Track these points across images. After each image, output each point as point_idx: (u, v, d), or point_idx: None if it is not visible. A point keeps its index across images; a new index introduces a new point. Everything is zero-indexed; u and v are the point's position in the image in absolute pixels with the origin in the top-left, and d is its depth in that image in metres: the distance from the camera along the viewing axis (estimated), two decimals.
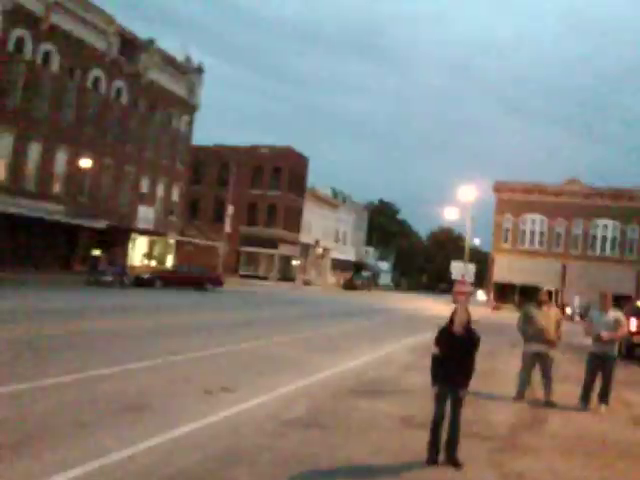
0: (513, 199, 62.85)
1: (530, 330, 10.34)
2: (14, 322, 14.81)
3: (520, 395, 10.44)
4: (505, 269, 60.87)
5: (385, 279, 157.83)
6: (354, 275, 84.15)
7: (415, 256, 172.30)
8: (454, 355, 6.61)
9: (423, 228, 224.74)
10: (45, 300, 21.92)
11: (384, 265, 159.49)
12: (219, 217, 66.99)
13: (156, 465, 5.78)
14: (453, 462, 6.52)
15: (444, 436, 6.63)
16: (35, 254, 33.86)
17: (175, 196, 47.46)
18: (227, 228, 49.03)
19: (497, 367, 14.14)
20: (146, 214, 39.81)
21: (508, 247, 62.32)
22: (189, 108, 48.13)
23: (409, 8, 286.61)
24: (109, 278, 32.09)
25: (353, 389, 9.97)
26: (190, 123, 48.52)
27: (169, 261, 46.80)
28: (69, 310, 19.61)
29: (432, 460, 6.51)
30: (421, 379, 10.40)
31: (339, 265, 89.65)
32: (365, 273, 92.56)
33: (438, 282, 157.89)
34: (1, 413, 6.95)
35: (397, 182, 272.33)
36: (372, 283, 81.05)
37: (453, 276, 40.19)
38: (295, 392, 9.37)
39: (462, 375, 6.65)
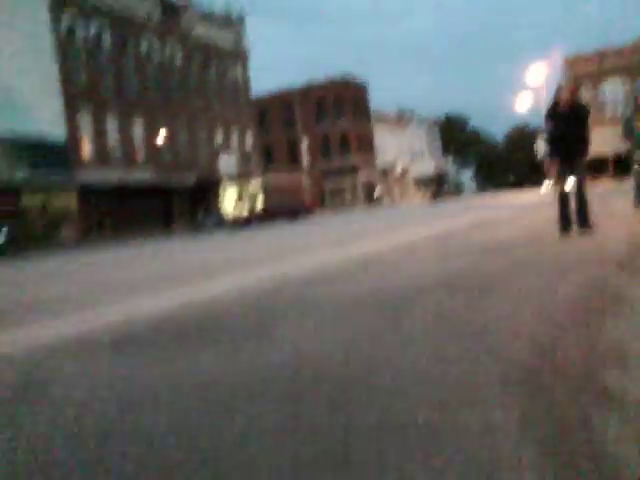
0: (587, 70, 60.00)
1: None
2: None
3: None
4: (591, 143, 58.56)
5: (469, 189, 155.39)
6: (437, 188, 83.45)
7: (495, 161, 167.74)
8: (568, 130, 6.82)
9: (498, 133, 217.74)
10: (168, 246, 23.31)
11: (466, 175, 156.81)
12: (294, 158, 67.98)
13: None
14: (586, 226, 6.82)
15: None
16: (138, 218, 35.83)
17: (249, 143, 48.45)
18: (305, 160, 49.65)
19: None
20: (227, 162, 41.01)
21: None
22: (240, 57, 48.61)
23: None
24: (210, 223, 33.64)
25: None
26: (245, 71, 49.00)
27: (259, 202, 48.24)
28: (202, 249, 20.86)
29: (564, 229, 6.83)
30: None
31: (421, 182, 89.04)
32: (447, 186, 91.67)
33: (523, 181, 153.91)
34: None
35: (459, 96, 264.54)
36: (456, 192, 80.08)
37: (539, 156, 39.12)
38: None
39: (580, 146, 6.87)
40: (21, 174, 27.83)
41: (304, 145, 50.42)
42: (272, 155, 71.48)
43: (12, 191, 27.35)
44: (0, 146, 27.77)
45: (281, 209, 37.83)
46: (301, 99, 70.20)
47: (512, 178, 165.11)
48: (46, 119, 31.38)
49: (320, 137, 70.18)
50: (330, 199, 70.82)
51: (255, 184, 46.78)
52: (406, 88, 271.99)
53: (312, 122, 69.66)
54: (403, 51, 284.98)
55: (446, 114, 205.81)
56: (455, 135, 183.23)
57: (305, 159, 50.10)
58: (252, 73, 50.64)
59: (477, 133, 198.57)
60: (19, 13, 31.98)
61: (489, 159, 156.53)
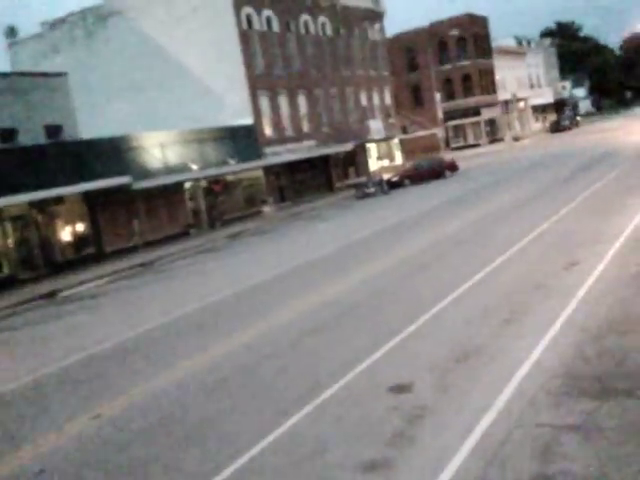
0: None
1: None
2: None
3: None
4: None
5: (584, 106, 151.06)
6: (561, 116, 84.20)
7: (611, 72, 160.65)
8: None
9: (611, 42, 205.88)
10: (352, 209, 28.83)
11: (580, 92, 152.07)
12: (419, 102, 71.33)
13: None
14: None
15: None
16: (306, 184, 41.73)
17: (387, 99, 52.64)
18: (439, 114, 53.37)
19: None
20: (376, 126, 45.65)
21: None
22: (378, 16, 52.05)
23: None
24: (372, 190, 38.87)
25: None
26: (382, 29, 52.57)
27: (398, 157, 52.93)
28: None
29: None
30: None
31: (540, 110, 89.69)
32: (568, 111, 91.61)
33: None
34: None
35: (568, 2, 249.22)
36: (576, 120, 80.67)
37: None
38: None
39: None
40: (227, 160, 33.94)
41: (437, 96, 53.66)
42: (397, 98, 74.98)
43: (222, 176, 33.63)
44: (205, 138, 33.77)
45: (429, 169, 42.41)
46: (424, 41, 72.64)
47: (629, 95, 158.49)
48: (237, 106, 37.16)
49: (443, 79, 72.76)
50: (455, 139, 73.98)
51: (396, 143, 51.32)
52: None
53: (435, 63, 72.19)
54: None
55: (556, 22, 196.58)
56: (567, 45, 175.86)
57: (439, 109, 53.50)
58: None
59: (592, 40, 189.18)
60: (207, 17, 37.41)
61: (604, 70, 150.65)
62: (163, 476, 7.45)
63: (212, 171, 32.22)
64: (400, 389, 8.72)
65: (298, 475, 6.85)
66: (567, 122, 78.52)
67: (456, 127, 73.61)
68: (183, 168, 31.07)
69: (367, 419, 7.88)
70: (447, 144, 73.13)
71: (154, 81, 39.48)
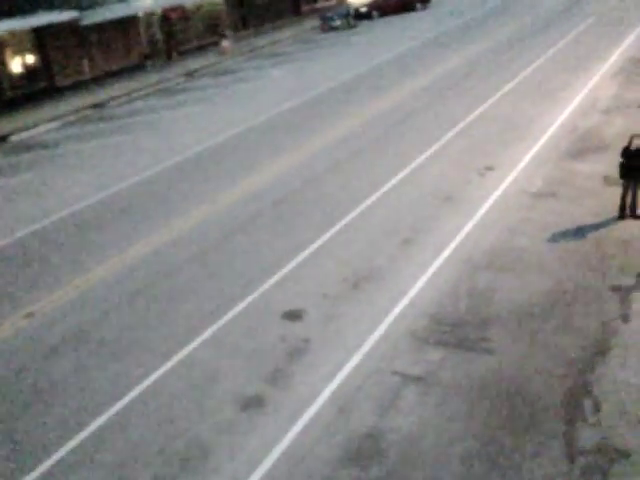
0: None
1: None
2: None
3: None
4: None
5: None
6: None
7: None
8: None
9: None
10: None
11: None
12: None
13: None
14: (635, 216, 12.18)
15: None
16: (270, 11, 40.01)
17: None
18: None
19: None
20: None
21: None
22: None
23: None
24: (337, 22, 37.58)
25: None
26: None
27: None
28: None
29: (621, 216, 12.15)
30: None
31: None
32: None
33: None
34: None
35: None
36: None
37: None
38: None
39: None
40: None
41: None
42: None
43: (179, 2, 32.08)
44: None
45: (399, 1, 40.66)
46: None
47: None
48: None
49: None
50: None
51: None
52: None
53: None
54: None
55: None
56: None
57: None
58: None
59: None
60: None
61: None
62: None
63: (167, 0, 30.74)
64: (293, 316, 10.02)
65: (187, 404, 8.28)
66: None
67: None
68: None
69: (259, 350, 9.23)
70: None
71: None
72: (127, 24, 29.84)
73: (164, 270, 11.87)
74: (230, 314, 10.16)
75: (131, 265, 12.22)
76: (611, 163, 11.65)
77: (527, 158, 14.99)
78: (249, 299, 10.52)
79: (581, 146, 15.28)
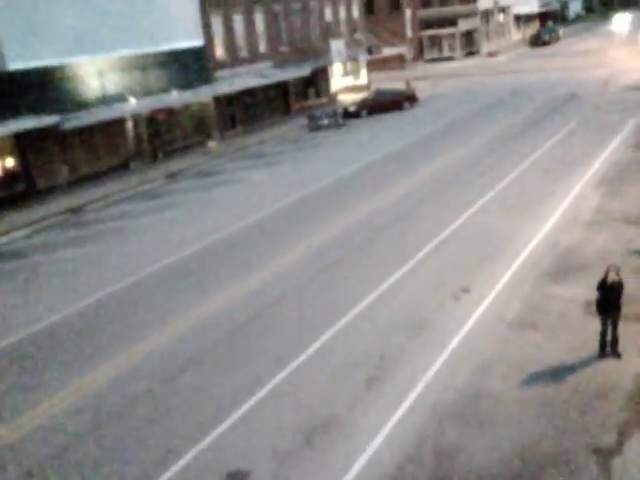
0: None
1: None
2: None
3: None
4: None
5: (575, 6, 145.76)
6: (541, 29, 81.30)
7: None
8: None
9: None
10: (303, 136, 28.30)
11: None
12: (394, 6, 68.12)
13: None
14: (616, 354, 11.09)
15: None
16: (261, 108, 40.46)
17: (355, 13, 50.17)
18: (408, 32, 51.19)
19: None
20: (338, 48, 43.69)
21: None
22: None
23: None
24: (325, 122, 37.88)
25: None
26: None
27: (363, 76, 51.29)
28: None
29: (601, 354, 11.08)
30: None
31: (523, 19, 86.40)
32: (551, 24, 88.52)
33: None
34: None
35: None
36: (557, 35, 77.85)
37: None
38: None
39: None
40: (171, 89, 32.46)
41: (407, 12, 51.23)
42: (372, 2, 71.49)
43: (166, 106, 32.28)
44: (149, 62, 32.10)
45: (387, 99, 41.18)
46: None
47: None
48: (187, 26, 35.09)
49: None
50: (428, 49, 71.49)
51: (362, 61, 49.39)
52: None
53: None
54: None
55: None
56: None
57: (408, 27, 51.30)
58: None
59: None
60: None
61: None
62: None
63: (154, 102, 30.86)
64: (238, 477, 8.94)
65: None
66: (547, 36, 76.05)
67: (431, 37, 70.85)
68: (122, 98, 29.72)
69: None
70: (421, 54, 70.90)
71: None
72: (111, 125, 29.86)
73: (112, 411, 10.84)
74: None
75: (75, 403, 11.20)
76: (592, 286, 10.85)
77: (505, 278, 14.25)
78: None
79: (561, 265, 14.55)
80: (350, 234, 18.44)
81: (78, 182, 28.31)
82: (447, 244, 16.73)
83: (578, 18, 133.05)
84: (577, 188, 19.99)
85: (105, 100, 29.34)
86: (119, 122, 30.45)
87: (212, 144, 32.66)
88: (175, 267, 17.52)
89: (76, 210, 24.77)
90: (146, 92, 31.27)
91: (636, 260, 14.35)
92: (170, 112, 33.28)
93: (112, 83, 29.81)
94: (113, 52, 30.76)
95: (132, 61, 31.07)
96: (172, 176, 29.19)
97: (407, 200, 21.09)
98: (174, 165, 31.08)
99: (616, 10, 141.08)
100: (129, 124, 31.29)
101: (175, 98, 31.76)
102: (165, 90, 32.29)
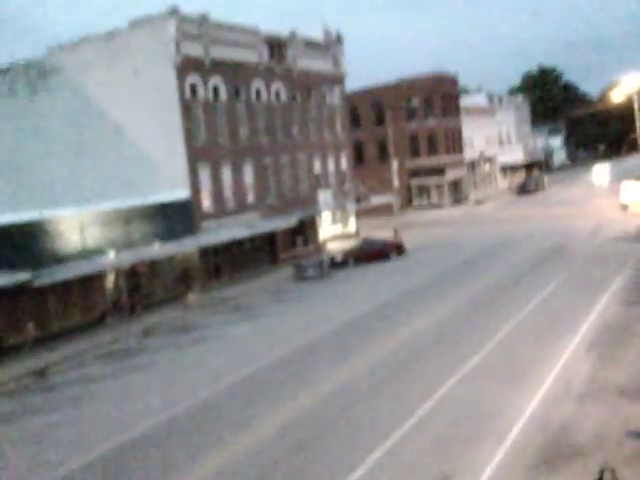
0: None
1: None
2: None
3: None
4: None
5: (559, 156, 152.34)
6: (527, 178, 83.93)
7: (588, 122, 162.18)
8: None
9: (593, 88, 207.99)
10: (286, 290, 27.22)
11: (556, 141, 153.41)
12: (383, 155, 70.47)
13: None
14: None
15: None
16: (248, 258, 40.18)
17: (344, 164, 51.49)
18: (395, 183, 52.41)
19: None
20: (325, 198, 44.32)
21: None
22: (338, 78, 51.06)
23: None
24: (311, 272, 37.41)
25: None
26: (342, 92, 51.55)
27: (351, 223, 51.77)
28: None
29: None
30: None
31: (509, 169, 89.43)
32: (536, 173, 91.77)
33: (618, 148, 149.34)
34: None
35: (556, 45, 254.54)
36: (542, 183, 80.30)
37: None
38: None
39: None
40: (156, 239, 32.21)
41: (394, 163, 52.76)
42: (362, 151, 74.21)
43: (147, 259, 31.82)
44: (132, 215, 32.05)
45: (374, 249, 41.14)
46: (392, 96, 72.07)
47: (602, 148, 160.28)
48: (174, 177, 35.61)
49: (410, 135, 72.16)
50: (417, 197, 73.15)
51: (350, 210, 50.07)
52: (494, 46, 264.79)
53: (403, 119, 71.56)
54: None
55: (539, 66, 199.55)
56: (547, 90, 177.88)
57: (395, 177, 52.55)
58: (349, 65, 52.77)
59: (570, 88, 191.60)
60: (149, 83, 35.96)
61: (581, 120, 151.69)
62: None
63: (135, 255, 30.42)
64: None
65: None
66: (532, 185, 78.31)
67: (420, 186, 72.74)
68: (102, 251, 29.30)
69: None
70: (410, 201, 72.39)
71: (90, 145, 37.90)
72: (89, 279, 29.19)
73: None
74: None
75: None
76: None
77: (492, 465, 12.75)
78: None
79: (553, 451, 13.09)
80: (322, 409, 17.00)
81: (49, 339, 27.13)
82: (427, 420, 15.31)
83: (563, 167, 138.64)
84: (567, 353, 18.85)
85: (84, 253, 28.89)
86: (97, 276, 29.81)
87: (192, 297, 31.89)
88: (133, 447, 15.93)
89: (39, 373, 23.37)
90: (128, 244, 30.95)
91: (633, 444, 12.97)
92: (152, 263, 32.79)
93: (93, 236, 29.52)
94: (98, 205, 30.86)
95: (116, 214, 31.02)
96: (148, 332, 28.05)
97: (384, 366, 19.84)
98: (152, 319, 30.08)
99: (601, 159, 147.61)
100: (108, 277, 30.66)
101: (157, 251, 31.38)
102: (148, 242, 32.00)
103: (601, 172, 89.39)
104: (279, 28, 45.37)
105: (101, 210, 30.27)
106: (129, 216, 31.62)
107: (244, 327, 27.28)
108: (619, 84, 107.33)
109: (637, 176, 59.10)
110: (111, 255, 29.05)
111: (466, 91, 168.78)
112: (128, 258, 29.87)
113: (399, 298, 29.62)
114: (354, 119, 73.48)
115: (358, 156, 74.07)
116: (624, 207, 37.73)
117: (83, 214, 29.42)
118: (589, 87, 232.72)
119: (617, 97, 70.86)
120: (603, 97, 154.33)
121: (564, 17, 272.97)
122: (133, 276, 31.97)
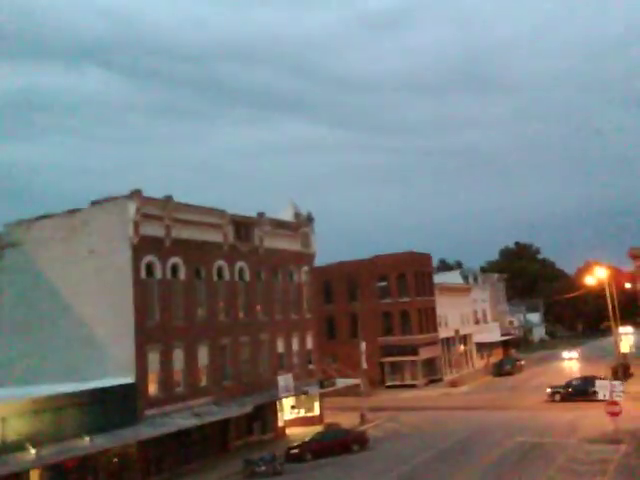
0: None
1: None
2: None
3: None
4: None
5: (538, 332, 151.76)
6: (503, 359, 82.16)
7: (565, 300, 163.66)
8: None
9: (569, 265, 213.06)
10: None
11: (535, 317, 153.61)
12: (356, 331, 68.82)
13: None
14: None
15: None
16: (195, 446, 36.98)
17: (309, 344, 49.69)
18: (364, 365, 50.43)
19: None
20: (286, 382, 42.02)
21: None
22: (307, 258, 50.78)
23: None
24: (262, 468, 34.24)
25: None
26: (310, 270, 51.04)
27: (316, 408, 48.92)
28: None
29: None
30: None
31: (485, 347, 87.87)
32: (513, 353, 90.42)
33: (596, 324, 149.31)
34: None
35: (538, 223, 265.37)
36: (519, 364, 78.52)
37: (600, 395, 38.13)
38: None
39: None
40: (90, 431, 29.45)
41: (363, 345, 51.10)
42: (334, 325, 72.82)
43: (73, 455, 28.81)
44: (66, 402, 29.42)
45: (335, 441, 38.36)
46: (366, 272, 72.07)
47: (581, 325, 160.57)
48: (119, 363, 33.52)
49: (382, 312, 71.27)
50: (390, 376, 70.73)
51: (313, 396, 47.56)
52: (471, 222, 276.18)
53: (375, 296, 70.97)
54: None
55: (516, 242, 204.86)
56: (524, 266, 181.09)
57: (364, 360, 50.68)
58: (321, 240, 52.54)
59: (550, 264, 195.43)
60: (103, 261, 35.06)
61: (559, 295, 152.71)
62: None
63: (59, 452, 27.44)
64: None
65: None
66: (509, 366, 76.42)
67: (393, 364, 70.58)
68: (21, 447, 26.43)
69: None
70: (382, 380, 69.74)
71: (37, 323, 36.19)
72: (5, 477, 26.04)
73: None
74: None
75: None
76: None
77: None
78: None
79: None
80: None
81: None
82: None
83: (542, 342, 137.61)
84: None
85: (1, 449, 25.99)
86: (15, 474, 26.66)
87: None
88: None
89: None
90: (55, 437, 28.10)
91: None
92: (83, 458, 29.73)
93: (14, 428, 26.79)
94: (23, 394, 28.49)
95: (46, 402, 28.53)
96: None
97: None
98: None
99: (581, 335, 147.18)
100: (31, 475, 27.50)
101: (87, 446, 28.52)
102: (81, 434, 29.19)
103: (570, 356, 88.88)
104: (256, 207, 45.63)
105: (28, 398, 27.79)
106: (62, 404, 29.07)
107: None
108: (592, 267, 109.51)
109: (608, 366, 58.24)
110: (31, 452, 26.15)
111: (446, 264, 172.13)
112: (51, 454, 26.91)
113: None
114: (327, 293, 73.19)
115: (330, 331, 72.69)
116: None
117: (6, 401, 26.92)
118: (566, 264, 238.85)
119: (589, 282, 71.28)
120: (579, 275, 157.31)
121: (546, 192, 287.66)
122: (59, 472, 28.77)
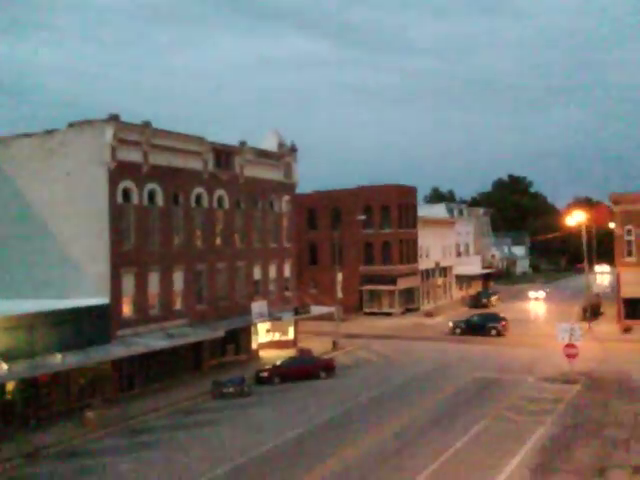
0: (634, 209, 59.95)
1: None
2: None
3: None
4: (633, 284, 58.64)
5: (522, 266, 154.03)
6: (480, 292, 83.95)
7: (551, 234, 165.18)
8: None
9: (561, 200, 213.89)
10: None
11: (519, 250, 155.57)
12: (335, 260, 70.07)
13: None
14: None
15: None
16: (168, 367, 38.47)
17: (287, 272, 50.74)
18: (339, 294, 51.76)
19: None
20: (260, 308, 43.26)
21: (634, 260, 59.78)
22: (288, 187, 51.10)
23: None
24: (230, 389, 35.85)
25: None
26: (291, 200, 51.47)
27: (291, 333, 50.52)
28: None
29: None
30: None
31: (465, 279, 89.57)
32: (491, 288, 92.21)
33: (579, 261, 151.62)
34: None
35: (528, 155, 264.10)
36: (495, 298, 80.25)
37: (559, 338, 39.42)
38: None
39: None
40: (62, 349, 30.63)
41: (339, 276, 52.16)
42: (317, 251, 74.03)
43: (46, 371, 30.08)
44: (39, 320, 30.47)
45: (303, 367, 40.00)
46: (350, 202, 72.60)
47: (563, 262, 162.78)
48: (94, 284, 34.43)
49: (365, 242, 72.30)
50: (368, 303, 72.48)
51: (288, 321, 48.98)
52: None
53: (359, 226, 71.77)
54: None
55: (509, 175, 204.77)
56: (515, 199, 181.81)
57: (339, 289, 51.92)
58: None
59: (542, 197, 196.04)
60: (80, 184, 35.35)
61: (546, 231, 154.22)
62: None
63: (30, 368, 28.66)
64: None
65: None
66: (485, 299, 78.29)
67: (372, 292, 72.22)
68: None
69: None
70: (361, 307, 71.60)
71: (15, 240, 36.81)
72: None
73: None
74: None
75: None
76: None
77: None
78: None
79: None
80: None
81: None
82: None
83: (525, 276, 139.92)
84: None
85: None
86: None
87: (90, 414, 29.96)
88: None
89: None
90: (28, 354, 29.26)
91: None
92: (54, 374, 31.05)
93: None
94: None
95: (19, 319, 29.54)
96: (32, 456, 26.06)
97: None
98: (43, 438, 28.10)
99: (564, 270, 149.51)
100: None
101: (58, 363, 29.75)
102: (53, 351, 30.37)
103: (537, 294, 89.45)
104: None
105: (1, 316, 28.74)
106: (35, 322, 30.10)
107: (131, 460, 25.43)
108: (579, 205, 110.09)
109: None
110: (4, 367, 27.34)
111: (438, 192, 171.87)
112: (21, 370, 28.12)
113: (316, 430, 28.51)
114: (311, 220, 74.03)
115: (312, 257, 74.00)
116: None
117: None
118: (557, 199, 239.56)
119: (570, 223, 72.09)
120: (566, 212, 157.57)
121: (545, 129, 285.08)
122: (32, 386, 30.15)
